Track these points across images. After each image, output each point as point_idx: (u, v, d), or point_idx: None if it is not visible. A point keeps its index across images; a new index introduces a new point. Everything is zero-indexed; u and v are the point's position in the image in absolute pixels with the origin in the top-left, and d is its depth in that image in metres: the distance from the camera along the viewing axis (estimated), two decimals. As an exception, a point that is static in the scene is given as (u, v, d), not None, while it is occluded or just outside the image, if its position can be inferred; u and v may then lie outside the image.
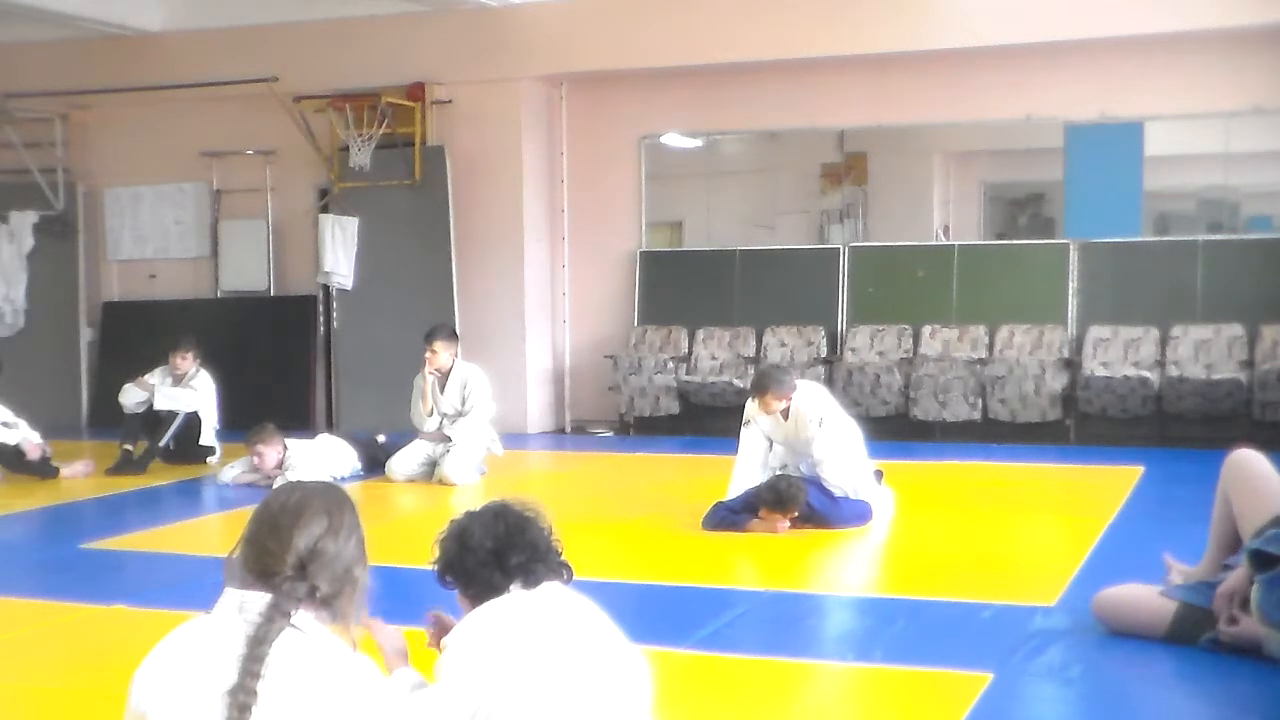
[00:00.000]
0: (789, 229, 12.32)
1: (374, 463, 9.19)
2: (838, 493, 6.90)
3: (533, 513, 3.04)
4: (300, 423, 11.48)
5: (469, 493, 8.44)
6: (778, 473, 7.14)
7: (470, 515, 3.04)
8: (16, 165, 12.76)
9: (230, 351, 11.50)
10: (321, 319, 12.39)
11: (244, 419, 9.53)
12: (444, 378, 9.16)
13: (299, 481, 2.65)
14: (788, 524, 6.76)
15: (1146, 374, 10.10)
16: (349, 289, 11.97)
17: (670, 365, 11.33)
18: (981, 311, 11.02)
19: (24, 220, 12.84)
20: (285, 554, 2.42)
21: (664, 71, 11.63)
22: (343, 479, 8.77)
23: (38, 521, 8.06)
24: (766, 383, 7.01)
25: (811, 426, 6.96)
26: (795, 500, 6.71)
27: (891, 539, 6.99)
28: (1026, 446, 10.13)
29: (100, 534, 7.37)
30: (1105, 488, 8.25)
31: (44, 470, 9.24)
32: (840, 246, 11.60)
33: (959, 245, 11.43)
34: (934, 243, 11.62)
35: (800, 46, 10.98)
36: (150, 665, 2.41)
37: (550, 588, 2.94)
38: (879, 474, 7.40)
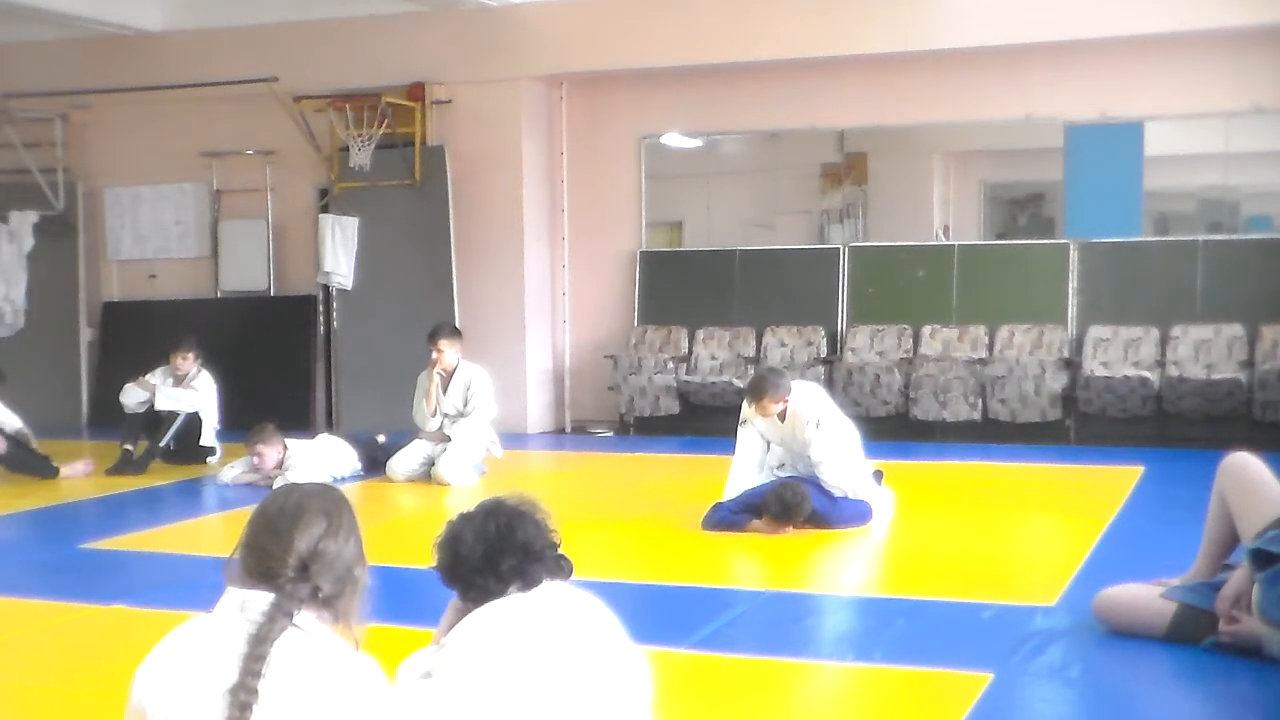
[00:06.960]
0: (789, 229, 12.30)
1: (374, 463, 9.18)
2: (837, 493, 6.89)
3: (528, 506, 3.00)
4: (300, 423, 11.48)
5: (466, 493, 8.43)
6: (777, 474, 7.13)
7: (463, 518, 3.01)
8: (16, 165, 12.73)
9: (230, 351, 11.47)
10: (321, 319, 12.39)
11: (244, 419, 9.53)
12: (448, 377, 9.15)
13: (294, 484, 2.65)
14: (790, 527, 6.76)
15: (1146, 374, 10.10)
16: (349, 289, 11.96)
17: (670, 365, 11.33)
18: (981, 311, 11.01)
19: (24, 220, 12.81)
20: (286, 556, 2.42)
21: (664, 71, 11.63)
22: (343, 479, 8.78)
23: (38, 521, 8.05)
24: (763, 387, 6.95)
25: (809, 429, 6.93)
26: (800, 510, 6.69)
27: (891, 539, 6.99)
28: (1026, 446, 10.12)
29: (100, 534, 7.37)
30: (1105, 488, 8.24)
31: (44, 470, 9.25)
32: (840, 246, 11.59)
33: (959, 245, 11.43)
34: (934, 243, 11.61)
35: (800, 46, 10.98)
36: (151, 663, 2.41)
37: (550, 587, 2.92)
38: (879, 474, 7.39)
